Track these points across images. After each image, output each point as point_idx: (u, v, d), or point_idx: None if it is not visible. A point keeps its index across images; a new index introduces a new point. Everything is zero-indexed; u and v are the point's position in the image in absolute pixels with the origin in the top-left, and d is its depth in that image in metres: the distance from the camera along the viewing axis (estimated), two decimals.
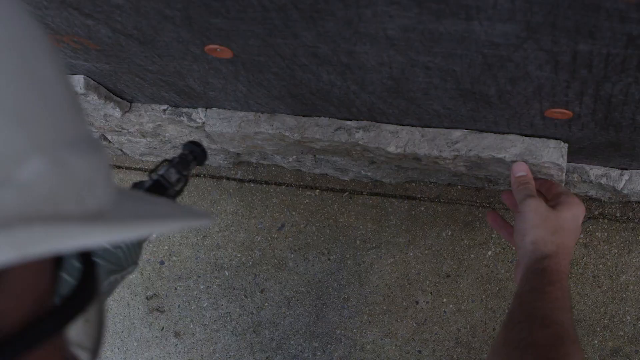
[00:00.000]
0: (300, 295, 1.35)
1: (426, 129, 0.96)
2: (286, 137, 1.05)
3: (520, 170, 0.92)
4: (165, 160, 0.97)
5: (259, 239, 1.38)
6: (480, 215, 1.21)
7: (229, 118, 1.08)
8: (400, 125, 0.98)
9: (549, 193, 0.94)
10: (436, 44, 0.66)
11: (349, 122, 1.00)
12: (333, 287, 1.31)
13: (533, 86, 0.73)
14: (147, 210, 0.37)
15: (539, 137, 0.92)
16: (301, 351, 1.36)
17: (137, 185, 0.94)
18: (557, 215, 0.87)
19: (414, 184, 1.25)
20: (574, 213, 0.87)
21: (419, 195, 1.25)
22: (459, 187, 1.22)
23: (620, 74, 0.65)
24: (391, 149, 0.97)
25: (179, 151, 1.01)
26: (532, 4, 0.54)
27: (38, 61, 0.32)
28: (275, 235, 1.37)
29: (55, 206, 0.30)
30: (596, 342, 1.13)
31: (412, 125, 0.97)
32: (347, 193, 1.31)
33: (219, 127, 1.09)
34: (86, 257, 0.37)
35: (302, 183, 1.34)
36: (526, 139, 0.92)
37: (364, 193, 1.29)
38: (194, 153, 1.00)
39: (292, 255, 1.35)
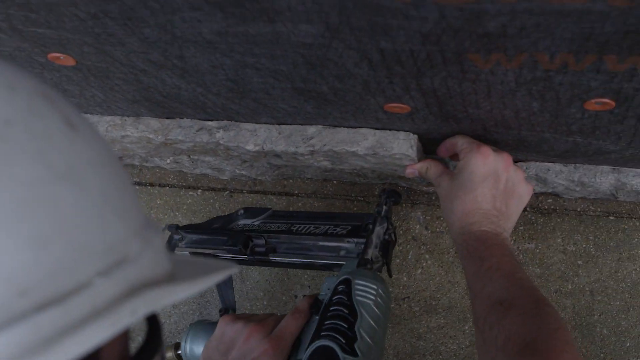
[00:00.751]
0: None
1: (283, 126, 0.99)
2: (151, 139, 1.06)
3: (411, 173, 0.98)
4: (377, 213, 0.96)
5: None
6: (355, 209, 1.25)
7: (96, 123, 1.09)
8: (259, 123, 1.00)
9: (456, 157, 0.95)
10: (255, 45, 0.68)
11: (210, 123, 1.02)
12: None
13: (359, 83, 0.75)
14: (196, 267, 0.44)
15: (390, 129, 0.95)
16: None
17: (366, 250, 0.91)
18: (453, 185, 0.90)
19: (291, 181, 1.28)
20: (469, 171, 0.88)
21: (296, 192, 1.28)
22: (334, 182, 1.26)
23: (432, 69, 0.69)
24: (250, 147, 0.99)
25: (383, 200, 0.99)
26: (321, 5, 0.57)
27: (116, 160, 0.40)
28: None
29: (154, 273, 0.38)
30: (466, 327, 1.18)
31: (269, 124, 0.99)
32: (227, 192, 1.33)
33: None
34: (152, 317, 0.44)
35: (184, 184, 1.35)
36: (377, 131, 0.95)
37: (244, 191, 1.31)
38: (395, 200, 1.00)
39: None
